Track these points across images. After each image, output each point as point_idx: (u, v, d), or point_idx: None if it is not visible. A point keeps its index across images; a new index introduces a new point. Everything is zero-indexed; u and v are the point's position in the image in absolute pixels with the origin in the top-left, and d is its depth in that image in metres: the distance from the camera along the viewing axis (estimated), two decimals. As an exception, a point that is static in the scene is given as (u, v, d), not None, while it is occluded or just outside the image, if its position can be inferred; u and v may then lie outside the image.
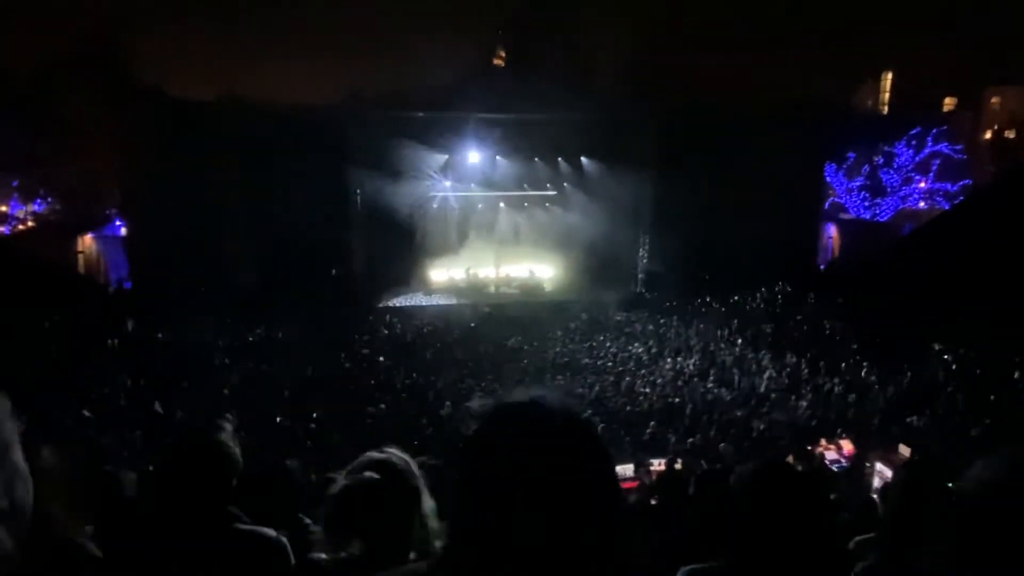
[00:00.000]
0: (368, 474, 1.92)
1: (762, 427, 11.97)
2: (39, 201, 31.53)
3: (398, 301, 23.96)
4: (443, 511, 1.92)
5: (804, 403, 13.15)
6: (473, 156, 25.12)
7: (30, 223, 30.86)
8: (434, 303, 24.43)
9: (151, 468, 2.17)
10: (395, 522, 1.86)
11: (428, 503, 1.90)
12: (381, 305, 22.96)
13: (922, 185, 33.32)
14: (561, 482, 0.88)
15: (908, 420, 11.54)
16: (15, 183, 30.78)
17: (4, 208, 31.03)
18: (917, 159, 33.05)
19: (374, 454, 2.02)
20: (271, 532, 2.03)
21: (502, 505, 0.87)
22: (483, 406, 0.97)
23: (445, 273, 26.44)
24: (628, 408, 13.23)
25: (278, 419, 12.08)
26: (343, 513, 1.90)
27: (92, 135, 28.02)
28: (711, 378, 15.24)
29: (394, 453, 2.01)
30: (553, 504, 0.87)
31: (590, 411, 12.80)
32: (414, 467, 1.99)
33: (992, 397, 12.08)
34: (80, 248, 26.74)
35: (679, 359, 17.07)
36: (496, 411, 0.96)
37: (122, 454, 9.10)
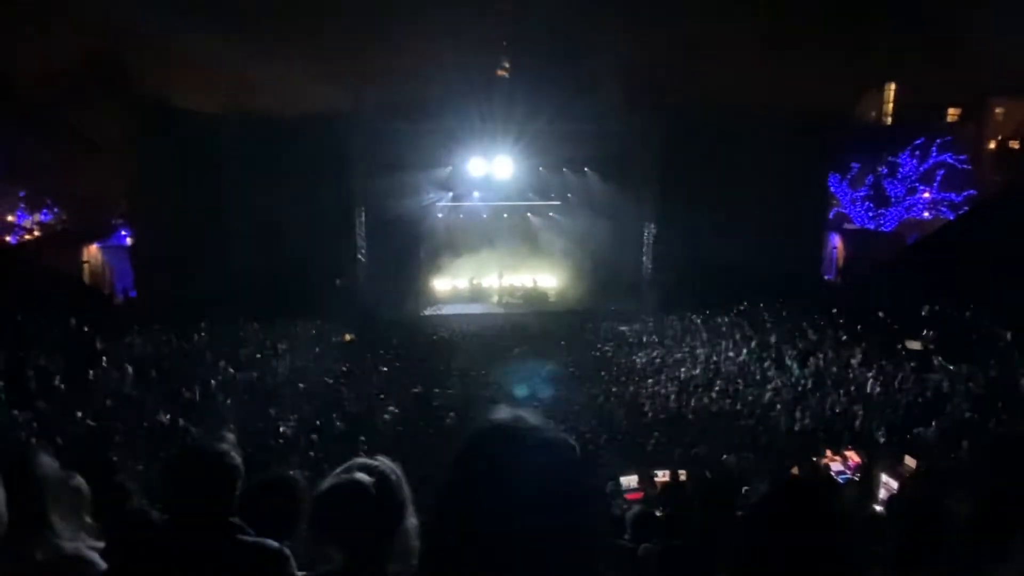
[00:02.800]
0: (359, 475, 1.88)
1: (766, 438, 11.92)
2: (45, 211, 31.72)
3: (403, 311, 23.95)
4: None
5: (809, 414, 13.08)
6: (477, 166, 25.21)
7: (36, 233, 31.03)
8: (438, 312, 24.45)
9: (156, 479, 2.16)
10: (377, 531, 1.83)
11: (412, 520, 1.86)
12: (386, 315, 22.96)
13: (926, 195, 33.28)
14: (536, 498, 0.92)
15: (914, 431, 11.48)
16: (22, 193, 30.98)
17: (11, 218, 31.22)
18: (921, 169, 33.03)
19: (365, 460, 1.98)
20: (274, 543, 2.02)
21: (479, 519, 0.92)
22: (470, 426, 1.01)
23: (449, 283, 26.47)
24: (632, 418, 13.19)
25: (281, 428, 12.08)
26: (327, 512, 1.86)
27: (98, 145, 28.22)
28: (716, 388, 15.19)
29: (384, 462, 1.98)
30: (528, 519, 0.91)
31: (594, 421, 12.77)
32: (403, 480, 1.95)
33: (998, 408, 12.01)
34: (85, 258, 26.86)
35: (683, 369, 17.04)
36: (478, 431, 0.99)
37: (126, 465, 9.09)
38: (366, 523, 1.80)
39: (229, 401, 13.87)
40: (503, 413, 1.01)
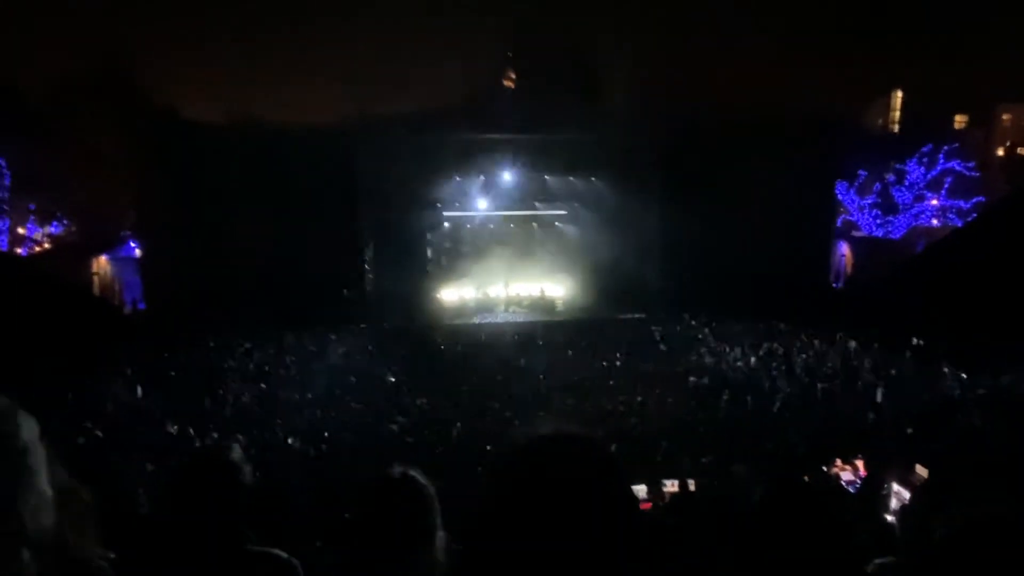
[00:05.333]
0: (411, 473, 1.91)
1: (775, 447, 11.84)
2: (55, 223, 31.94)
3: (410, 321, 23.98)
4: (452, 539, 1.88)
5: (818, 422, 13.00)
6: (483, 176, 25.28)
7: (46, 245, 31.24)
8: (444, 322, 24.44)
9: (163, 489, 2.17)
10: (414, 539, 1.83)
11: (440, 534, 1.87)
12: (393, 325, 22.99)
13: (934, 203, 33.16)
14: (585, 510, 0.93)
15: (926, 440, 11.39)
16: (32, 206, 31.20)
17: (21, 230, 31.43)
18: (929, 176, 32.93)
19: (398, 470, 1.98)
20: (283, 554, 2.02)
21: (530, 532, 0.93)
22: (515, 440, 1.03)
23: (456, 293, 26.49)
24: (640, 427, 13.13)
25: (288, 440, 12.08)
26: (375, 506, 1.87)
27: (107, 157, 28.43)
28: (724, 397, 15.12)
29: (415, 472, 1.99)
30: (576, 531, 0.92)
31: (601, 431, 12.72)
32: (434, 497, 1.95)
33: (1010, 416, 11.91)
34: (95, 269, 27.02)
35: (691, 378, 16.97)
36: (527, 445, 1.01)
37: (135, 474, 9.12)
38: (415, 521, 1.81)
39: (237, 411, 13.90)
40: (545, 427, 1.03)
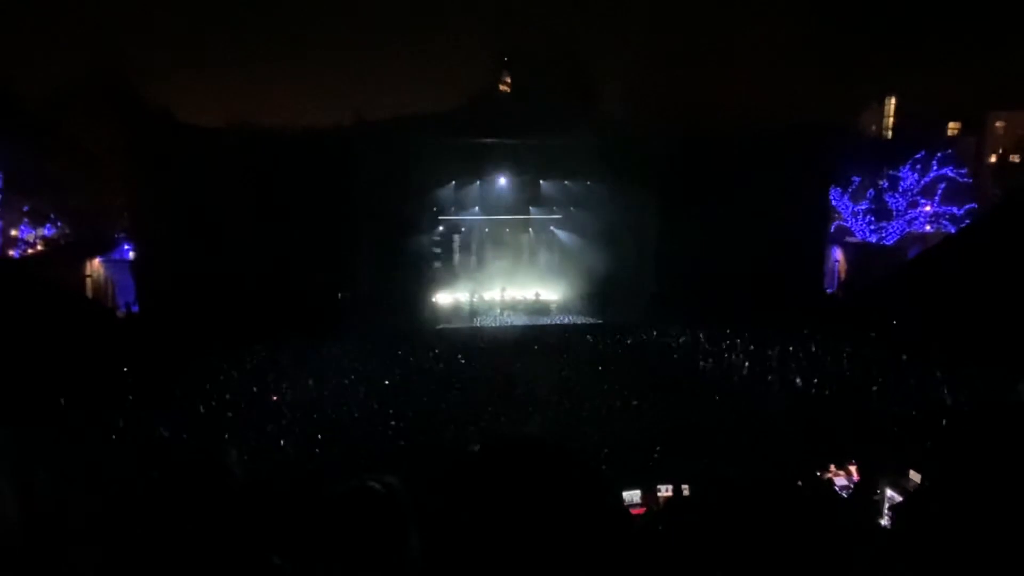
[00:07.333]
0: (371, 483, 1.86)
1: (770, 452, 11.85)
2: (49, 225, 31.80)
3: (405, 325, 23.93)
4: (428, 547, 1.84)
5: (812, 427, 13.02)
6: (479, 180, 25.30)
7: (39, 247, 31.09)
8: (440, 326, 24.42)
9: (157, 494, 2.16)
10: (385, 545, 1.80)
11: (415, 541, 1.85)
12: (388, 329, 22.94)
13: (927, 209, 33.29)
14: (547, 515, 0.92)
15: (919, 445, 11.42)
16: (26, 207, 31.06)
17: (14, 232, 31.28)
18: (922, 183, 33.06)
19: (367, 478, 1.95)
20: (276, 559, 2.02)
21: (489, 537, 0.92)
22: (472, 445, 1.00)
23: (451, 297, 26.49)
24: (635, 432, 13.13)
25: (281, 442, 12.05)
26: (336, 520, 1.83)
27: (102, 160, 28.35)
28: (718, 401, 15.13)
29: (390, 478, 1.95)
30: (538, 535, 0.91)
31: (597, 435, 12.72)
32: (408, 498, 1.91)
33: (1002, 422, 11.94)
34: (88, 272, 26.89)
35: (685, 383, 16.99)
36: (484, 450, 0.99)
37: (128, 478, 9.07)
38: (376, 533, 1.78)
39: (231, 415, 13.84)
40: (505, 431, 1.02)
